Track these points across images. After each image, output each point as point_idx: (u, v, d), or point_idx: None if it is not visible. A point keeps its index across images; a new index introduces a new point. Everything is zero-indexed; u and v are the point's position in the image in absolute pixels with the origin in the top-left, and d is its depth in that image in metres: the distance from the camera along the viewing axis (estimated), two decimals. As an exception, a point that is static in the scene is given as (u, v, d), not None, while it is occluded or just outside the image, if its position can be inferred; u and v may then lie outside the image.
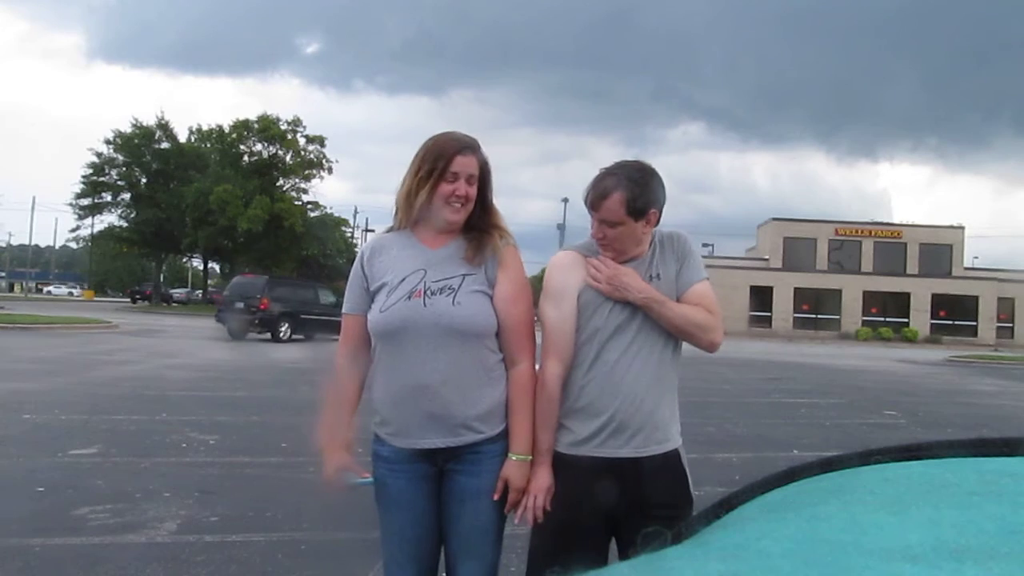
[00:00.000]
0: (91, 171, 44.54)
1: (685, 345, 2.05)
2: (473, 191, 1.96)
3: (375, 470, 2.02)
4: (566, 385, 2.01)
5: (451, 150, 1.93)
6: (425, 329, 1.90)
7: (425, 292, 1.92)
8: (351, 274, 2.07)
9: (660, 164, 2.07)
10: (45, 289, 72.08)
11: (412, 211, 1.97)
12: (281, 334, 19.71)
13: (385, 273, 1.98)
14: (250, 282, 21.12)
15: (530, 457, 1.96)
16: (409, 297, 1.92)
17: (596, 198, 1.96)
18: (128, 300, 55.71)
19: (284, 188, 42.89)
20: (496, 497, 1.94)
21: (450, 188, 1.93)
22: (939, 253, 42.60)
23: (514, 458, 1.95)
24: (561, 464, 1.99)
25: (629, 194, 1.93)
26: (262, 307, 19.49)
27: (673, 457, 1.99)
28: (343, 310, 2.08)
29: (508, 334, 1.97)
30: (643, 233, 2.00)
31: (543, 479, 1.98)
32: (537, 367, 2.03)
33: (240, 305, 19.72)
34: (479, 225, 2.00)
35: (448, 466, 1.96)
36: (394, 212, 2.06)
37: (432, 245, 2.00)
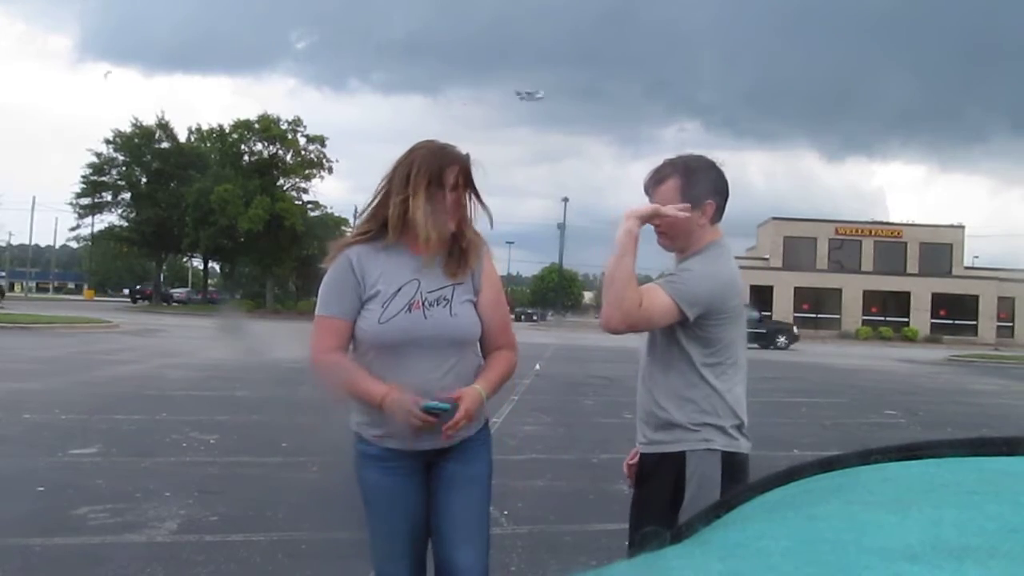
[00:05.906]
0: (91, 171, 44.57)
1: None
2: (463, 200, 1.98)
3: (363, 471, 2.02)
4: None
5: (446, 161, 1.93)
6: (426, 341, 1.93)
7: (423, 304, 1.94)
8: (336, 276, 1.98)
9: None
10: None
11: (406, 223, 1.93)
12: None
13: (377, 281, 1.96)
14: None
15: (487, 394, 1.96)
16: (409, 309, 1.94)
17: (652, 183, 2.01)
18: (128, 300, 55.71)
19: (284, 188, 42.88)
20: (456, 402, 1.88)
21: (451, 197, 1.92)
22: (939, 252, 42.60)
23: (475, 387, 1.94)
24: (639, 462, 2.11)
25: (684, 181, 1.97)
26: None
27: (676, 458, 1.94)
28: (327, 312, 1.98)
29: (496, 333, 2.05)
30: (699, 226, 1.99)
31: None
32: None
33: None
34: (457, 232, 1.98)
35: (436, 458, 2.00)
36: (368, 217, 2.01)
37: (421, 252, 1.97)
